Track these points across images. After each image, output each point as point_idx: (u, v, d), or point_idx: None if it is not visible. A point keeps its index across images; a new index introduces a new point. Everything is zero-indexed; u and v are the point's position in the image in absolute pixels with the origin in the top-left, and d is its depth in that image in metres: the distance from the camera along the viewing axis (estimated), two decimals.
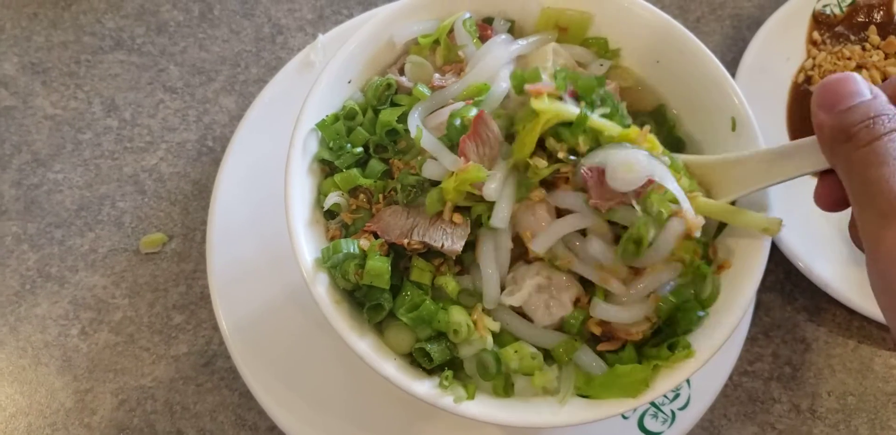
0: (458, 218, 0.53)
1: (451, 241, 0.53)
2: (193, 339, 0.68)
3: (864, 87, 0.47)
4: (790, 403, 0.67)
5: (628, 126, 0.53)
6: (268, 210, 0.64)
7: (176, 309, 0.69)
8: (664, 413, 0.62)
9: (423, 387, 0.51)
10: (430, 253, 0.54)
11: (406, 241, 0.53)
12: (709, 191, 0.55)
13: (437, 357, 0.52)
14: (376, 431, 0.62)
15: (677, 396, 0.62)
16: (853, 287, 0.67)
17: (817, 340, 0.69)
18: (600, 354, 0.53)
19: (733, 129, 0.58)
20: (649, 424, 0.62)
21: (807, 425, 0.67)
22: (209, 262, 0.65)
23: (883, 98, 0.47)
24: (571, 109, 0.51)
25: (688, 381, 0.62)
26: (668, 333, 0.53)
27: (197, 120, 0.75)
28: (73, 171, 0.73)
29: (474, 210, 0.54)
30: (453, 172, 0.53)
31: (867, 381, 0.68)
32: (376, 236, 0.54)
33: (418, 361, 0.53)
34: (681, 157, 0.55)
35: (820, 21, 0.76)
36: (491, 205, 0.52)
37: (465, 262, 0.55)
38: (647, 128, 0.52)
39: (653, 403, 0.62)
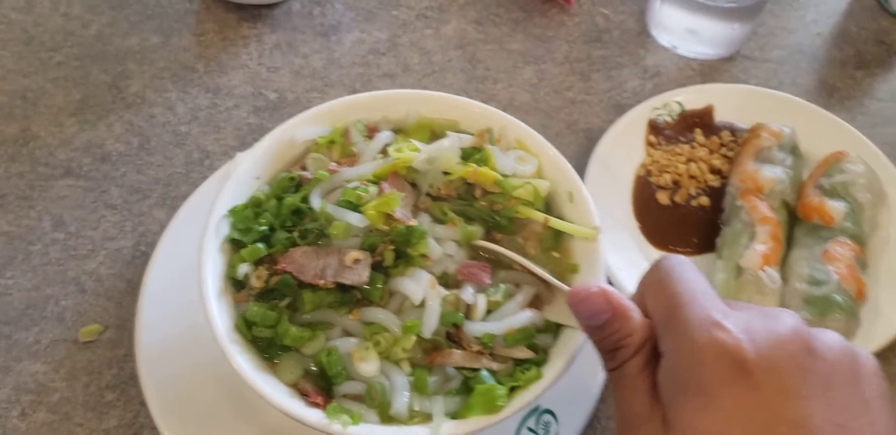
0: (359, 255, 0.64)
1: (359, 274, 0.64)
2: (123, 413, 0.76)
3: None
4: None
5: None
6: (189, 296, 0.74)
7: (109, 388, 0.77)
8: None
9: (315, 416, 0.60)
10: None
11: (321, 281, 0.64)
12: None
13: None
14: None
15: (547, 432, 0.71)
16: None
17: None
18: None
19: (571, 200, 0.71)
20: None
21: None
22: (137, 346, 0.75)
23: None
24: None
25: (554, 416, 0.71)
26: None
27: (132, 230, 0.87)
28: (23, 276, 0.83)
29: (399, 238, 0.65)
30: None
31: None
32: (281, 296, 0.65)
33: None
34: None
35: (655, 127, 0.93)
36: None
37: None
38: None
39: None
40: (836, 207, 0.80)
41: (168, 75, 1.01)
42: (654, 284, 0.49)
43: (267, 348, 0.65)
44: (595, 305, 0.48)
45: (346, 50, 1.05)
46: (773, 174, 0.83)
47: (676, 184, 0.90)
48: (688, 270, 0.48)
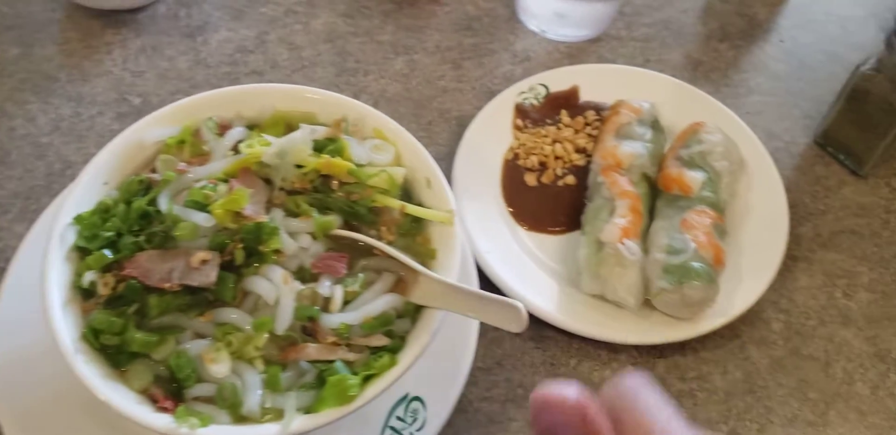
0: (206, 255, 0.63)
1: (206, 275, 0.63)
2: None
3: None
4: (524, 420, 0.77)
5: None
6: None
7: None
8: None
9: (163, 421, 0.58)
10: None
11: (168, 284, 0.62)
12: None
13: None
14: None
15: (415, 419, 0.70)
16: (568, 314, 0.79)
17: (544, 363, 0.80)
18: None
19: (429, 186, 0.71)
20: None
21: None
22: None
23: None
24: None
25: (423, 403, 0.71)
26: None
27: None
28: None
29: (248, 235, 0.64)
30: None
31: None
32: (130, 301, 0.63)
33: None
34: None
35: (521, 111, 0.94)
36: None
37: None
38: None
39: (393, 428, 0.70)
40: (694, 177, 0.81)
41: (29, 87, 0.98)
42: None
43: (116, 356, 0.63)
44: (565, 416, 0.40)
45: (212, 50, 1.03)
46: (631, 149, 0.84)
47: (543, 165, 0.91)
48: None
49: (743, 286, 0.80)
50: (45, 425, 0.70)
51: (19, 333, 0.73)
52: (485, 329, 0.79)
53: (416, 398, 0.72)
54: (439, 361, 0.72)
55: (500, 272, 0.80)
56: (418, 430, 0.70)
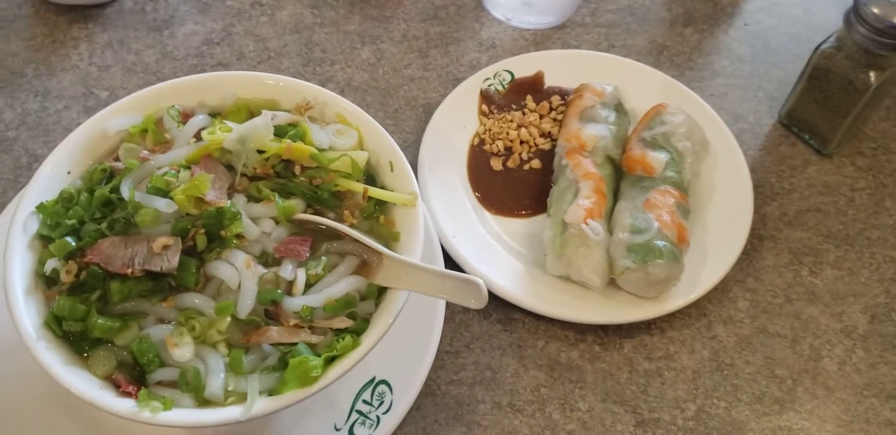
0: (167, 241, 0.63)
1: (168, 261, 0.63)
2: None
3: None
4: (492, 402, 0.77)
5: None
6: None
7: None
8: (370, 419, 0.71)
9: (125, 406, 0.58)
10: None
11: (129, 270, 0.62)
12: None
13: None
14: None
15: (381, 402, 0.71)
16: (535, 296, 0.79)
17: (511, 345, 0.80)
18: None
19: (392, 170, 0.71)
20: (358, 431, 0.70)
21: (508, 418, 0.77)
22: None
23: None
24: None
25: (390, 386, 0.71)
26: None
27: None
28: None
29: (209, 220, 0.64)
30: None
31: (555, 373, 0.79)
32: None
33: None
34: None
35: (487, 97, 0.94)
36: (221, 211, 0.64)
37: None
38: None
39: (360, 412, 0.71)
40: (657, 158, 0.82)
41: None
42: None
43: (79, 343, 0.63)
44: None
45: (179, 43, 1.03)
46: (595, 132, 0.84)
47: (509, 150, 0.91)
48: None
49: (708, 265, 0.80)
50: (14, 419, 0.70)
51: None
52: (452, 313, 0.80)
53: (383, 382, 0.72)
54: (406, 345, 0.73)
55: (467, 256, 0.80)
56: (385, 413, 0.70)
